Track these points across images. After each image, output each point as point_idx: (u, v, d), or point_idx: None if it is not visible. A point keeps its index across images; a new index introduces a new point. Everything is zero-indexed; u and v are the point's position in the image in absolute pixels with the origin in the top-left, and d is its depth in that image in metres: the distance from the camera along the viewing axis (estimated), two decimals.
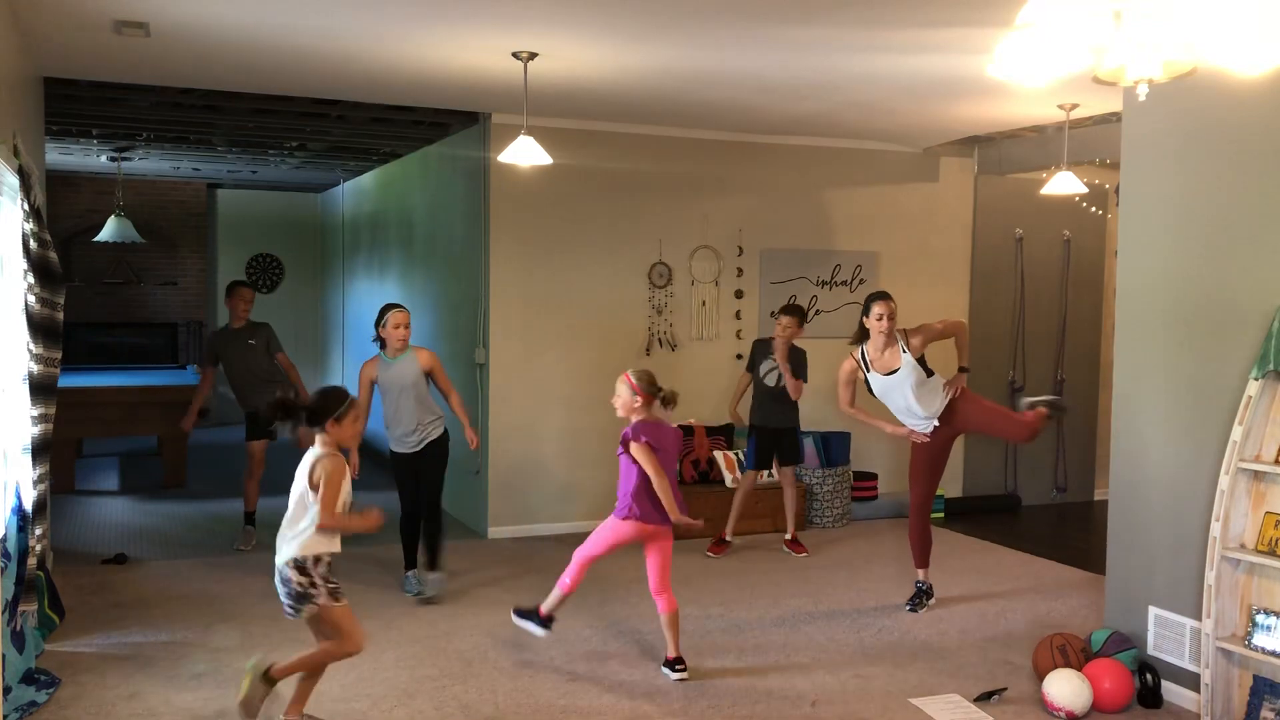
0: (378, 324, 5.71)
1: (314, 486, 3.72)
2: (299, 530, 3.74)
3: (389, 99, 6.64)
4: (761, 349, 6.73)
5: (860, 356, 5.41)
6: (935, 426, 5.39)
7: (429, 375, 5.72)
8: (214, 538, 7.02)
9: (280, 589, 3.79)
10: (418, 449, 5.70)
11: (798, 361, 6.59)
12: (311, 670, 3.90)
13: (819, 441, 7.63)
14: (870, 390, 5.45)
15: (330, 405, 3.84)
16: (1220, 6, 2.35)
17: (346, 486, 3.80)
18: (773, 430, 6.68)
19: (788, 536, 6.81)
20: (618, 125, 7.32)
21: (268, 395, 6.72)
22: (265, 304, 12.92)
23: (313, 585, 3.73)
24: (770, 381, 6.62)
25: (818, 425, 7.93)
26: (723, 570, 6.38)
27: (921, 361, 5.34)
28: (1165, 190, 4.49)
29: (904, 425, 5.45)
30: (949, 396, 5.34)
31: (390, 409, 5.66)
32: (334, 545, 3.78)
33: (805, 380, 6.60)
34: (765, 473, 6.97)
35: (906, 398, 5.32)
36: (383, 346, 5.71)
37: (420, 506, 5.77)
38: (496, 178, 7.05)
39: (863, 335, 5.41)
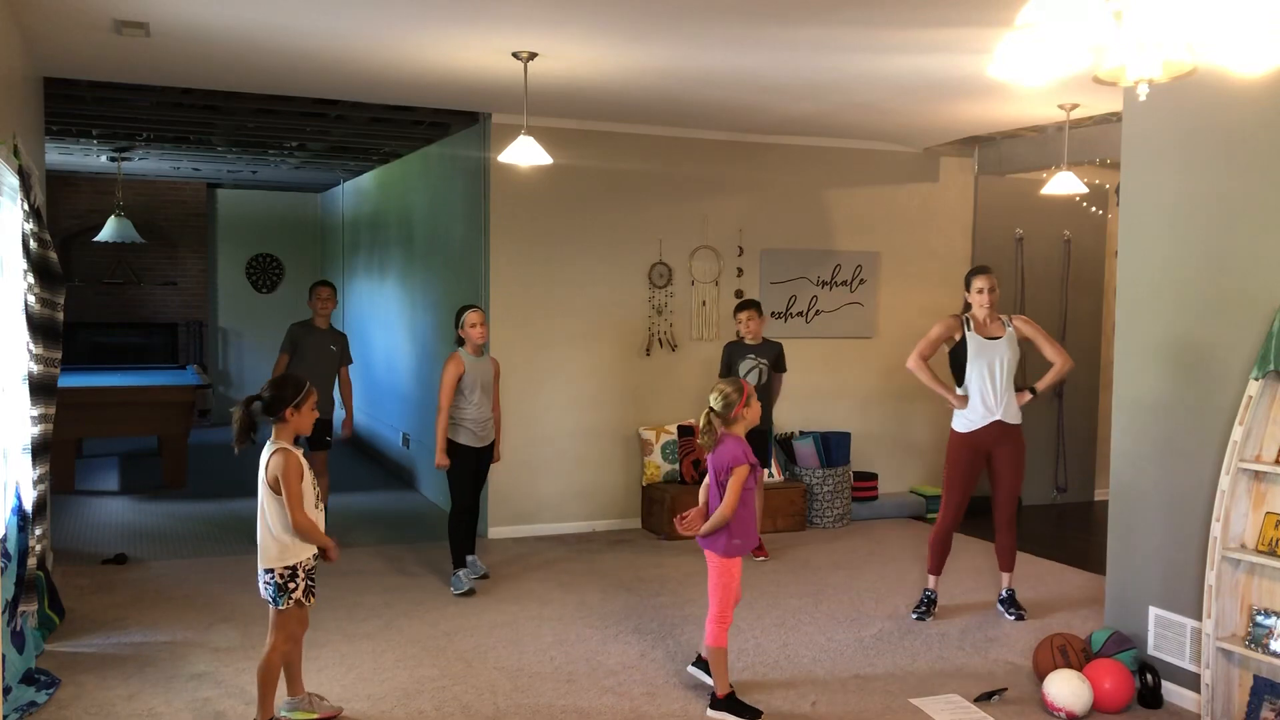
0: (457, 325, 5.92)
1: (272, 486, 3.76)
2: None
3: (389, 99, 6.64)
4: (735, 351, 6.61)
5: (963, 317, 5.44)
6: (994, 422, 5.30)
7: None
8: (214, 538, 7.01)
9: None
10: (481, 445, 5.93)
11: (776, 355, 6.59)
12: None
13: (819, 441, 7.63)
14: (962, 358, 5.37)
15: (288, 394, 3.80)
16: (1220, 6, 2.35)
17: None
18: (754, 432, 6.56)
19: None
20: (618, 125, 7.32)
21: (326, 406, 6.78)
22: (266, 304, 12.98)
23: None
24: (753, 380, 6.48)
25: (818, 425, 7.95)
26: None
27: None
28: (1165, 190, 4.49)
29: (965, 401, 5.36)
30: (1023, 401, 5.36)
31: (467, 404, 5.84)
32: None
33: (785, 371, 6.63)
34: (766, 471, 6.88)
35: (997, 368, 5.29)
36: (462, 346, 5.91)
37: (472, 501, 5.97)
38: (496, 178, 7.05)
39: (965, 309, 5.53)
